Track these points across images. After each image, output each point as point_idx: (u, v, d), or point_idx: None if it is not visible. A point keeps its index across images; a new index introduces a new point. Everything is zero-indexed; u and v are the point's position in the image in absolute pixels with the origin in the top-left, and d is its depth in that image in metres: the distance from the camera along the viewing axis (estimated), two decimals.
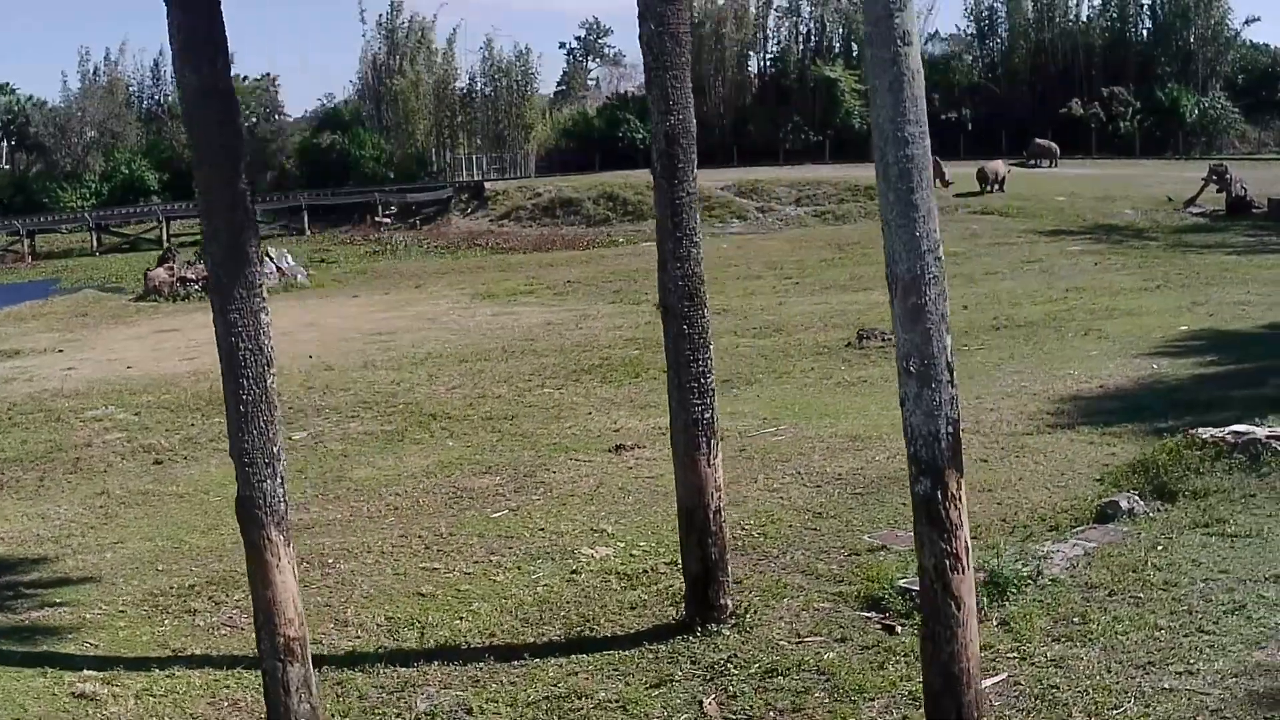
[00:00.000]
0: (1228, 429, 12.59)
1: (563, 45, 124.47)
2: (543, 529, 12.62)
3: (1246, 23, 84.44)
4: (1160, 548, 10.11)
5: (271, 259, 35.72)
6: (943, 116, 77.76)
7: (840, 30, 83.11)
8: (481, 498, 13.98)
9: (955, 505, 6.57)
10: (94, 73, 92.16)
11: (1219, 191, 50.79)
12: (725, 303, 25.56)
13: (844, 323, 22.15)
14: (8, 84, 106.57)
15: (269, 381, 7.95)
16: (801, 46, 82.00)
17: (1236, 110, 78.42)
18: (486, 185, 71.52)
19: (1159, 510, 11.20)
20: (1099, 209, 52.30)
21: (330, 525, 13.56)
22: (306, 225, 69.89)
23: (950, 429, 6.55)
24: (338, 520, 13.72)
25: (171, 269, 34.78)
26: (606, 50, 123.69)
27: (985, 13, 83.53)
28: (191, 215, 74.23)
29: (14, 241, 70.57)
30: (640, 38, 9.36)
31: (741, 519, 12.14)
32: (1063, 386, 15.53)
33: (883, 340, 18.32)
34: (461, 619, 10.43)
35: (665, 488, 12.28)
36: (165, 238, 69.48)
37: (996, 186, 56.79)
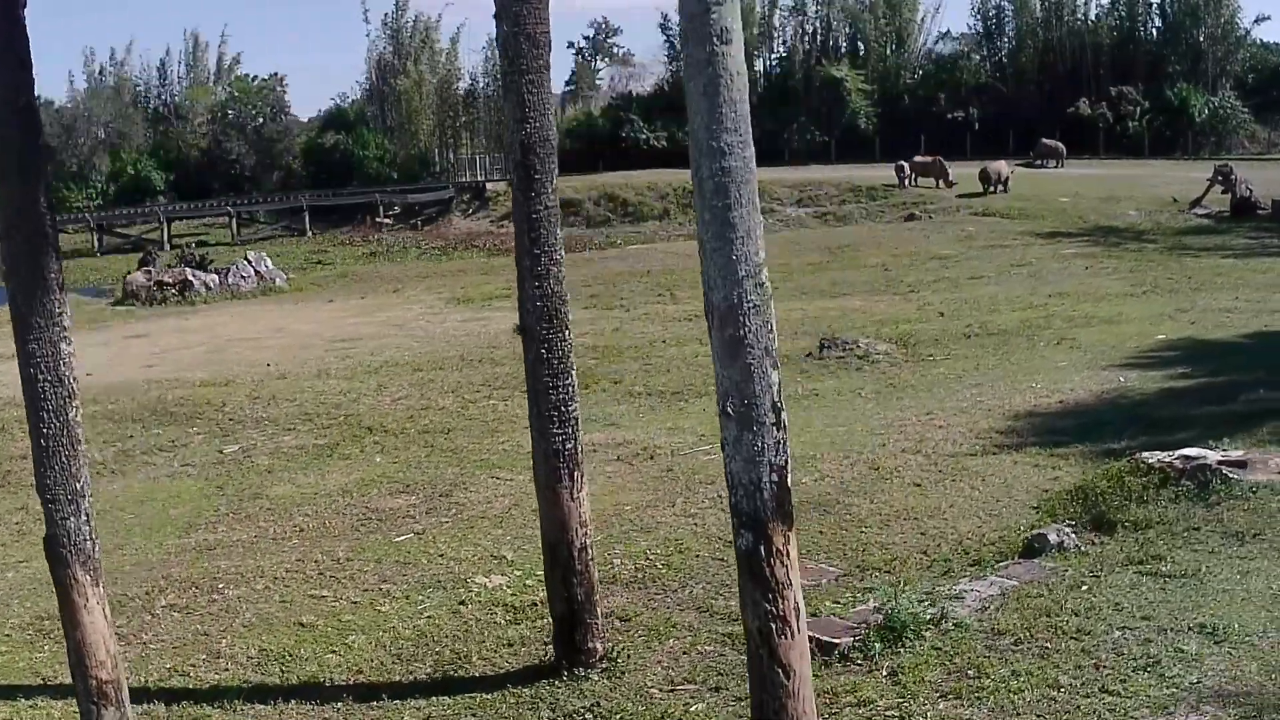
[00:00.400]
0: (1177, 453, 11.75)
1: (571, 45, 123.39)
2: (442, 554, 11.96)
3: (1256, 21, 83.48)
4: (1084, 588, 9.28)
5: (250, 262, 35.11)
6: (949, 116, 76.81)
7: (846, 29, 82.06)
8: (391, 519, 13.31)
9: (781, 562, 5.84)
10: (100, 73, 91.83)
11: (1224, 193, 49.89)
12: (698, 308, 24.87)
13: (814, 330, 21.34)
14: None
15: (71, 415, 7.35)
16: (807, 46, 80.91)
17: (1246, 110, 77.19)
18: (488, 186, 70.81)
19: (1092, 544, 10.39)
20: (1102, 210, 51.44)
21: (233, 547, 12.95)
22: (308, 226, 69.19)
23: (775, 477, 5.80)
24: (242, 542, 13.10)
25: (149, 273, 34.15)
26: (615, 49, 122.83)
27: (993, 11, 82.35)
28: (192, 215, 74.51)
29: None
30: (496, 39, 8.63)
31: (649, 547, 11.44)
32: (1021, 401, 14.72)
33: (844, 349, 17.60)
34: (334, 652, 9.88)
35: None
36: (166, 238, 69.19)
37: (1000, 187, 55.94)
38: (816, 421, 14.95)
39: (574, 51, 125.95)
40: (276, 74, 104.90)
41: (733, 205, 5.80)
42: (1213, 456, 11.56)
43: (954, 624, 8.78)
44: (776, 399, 5.86)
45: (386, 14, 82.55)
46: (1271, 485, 10.85)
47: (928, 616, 8.77)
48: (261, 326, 27.58)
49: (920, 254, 32.73)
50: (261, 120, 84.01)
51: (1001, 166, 56.80)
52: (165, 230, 69.82)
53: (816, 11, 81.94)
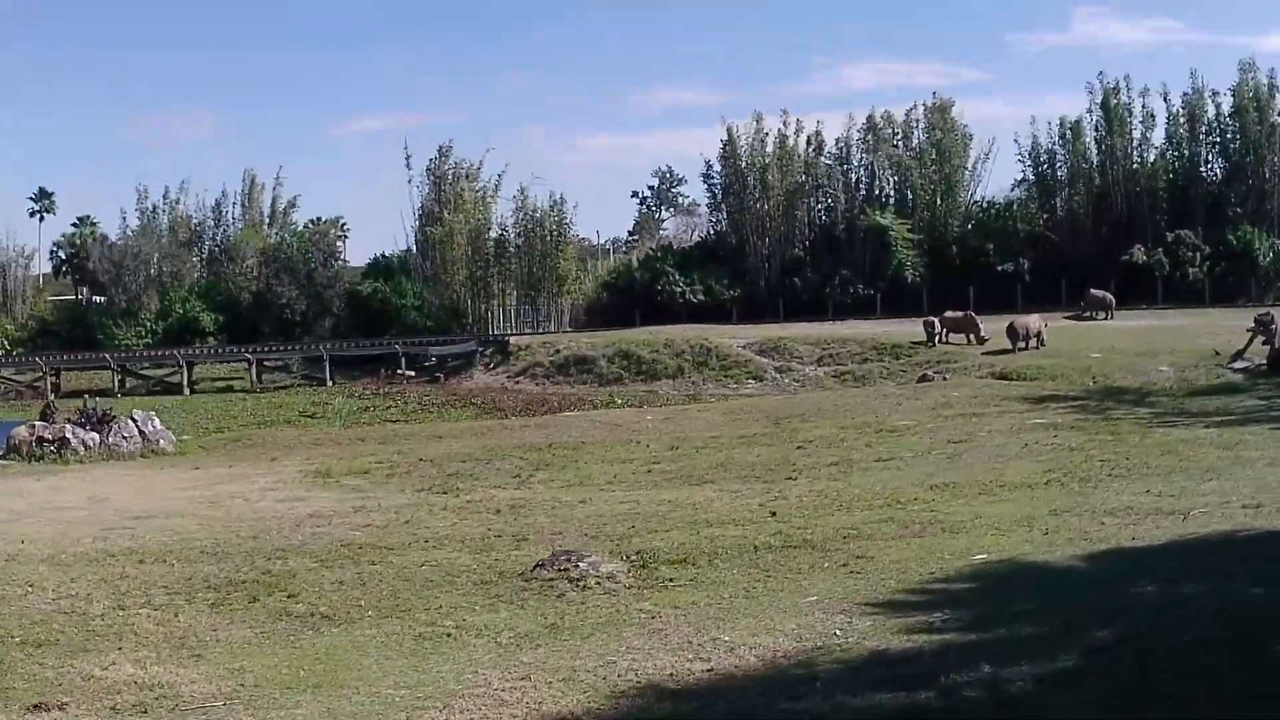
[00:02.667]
0: None
1: (635, 194, 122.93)
2: None
3: None
4: None
5: (135, 422, 33.22)
6: (999, 268, 74.03)
7: (892, 179, 79.78)
8: None
9: None
10: (152, 210, 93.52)
11: (1264, 343, 46.41)
12: (529, 495, 22.20)
13: (596, 533, 18.08)
14: (89, 216, 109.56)
15: None
16: (850, 194, 78.72)
17: None
18: (512, 340, 69.50)
19: None
20: (1132, 366, 48.09)
21: None
22: (329, 375, 69.16)
23: None
24: None
25: (33, 427, 32.41)
26: (681, 199, 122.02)
27: (1045, 157, 79.56)
28: (210, 358, 74.11)
29: (38, 378, 70.80)
30: None
31: None
32: (669, 663, 11.23)
33: (562, 568, 14.55)
34: None
35: None
36: (186, 382, 68.85)
37: (1034, 342, 52.88)
38: (360, 688, 11.67)
39: (638, 201, 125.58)
40: (338, 218, 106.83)
41: None
42: None
43: None
44: None
45: (431, 160, 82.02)
46: None
47: None
48: (85, 495, 25.21)
49: (870, 426, 29.74)
50: (313, 266, 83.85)
51: (1030, 321, 53.75)
52: (186, 374, 69.90)
53: (861, 160, 79.75)
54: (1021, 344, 52.79)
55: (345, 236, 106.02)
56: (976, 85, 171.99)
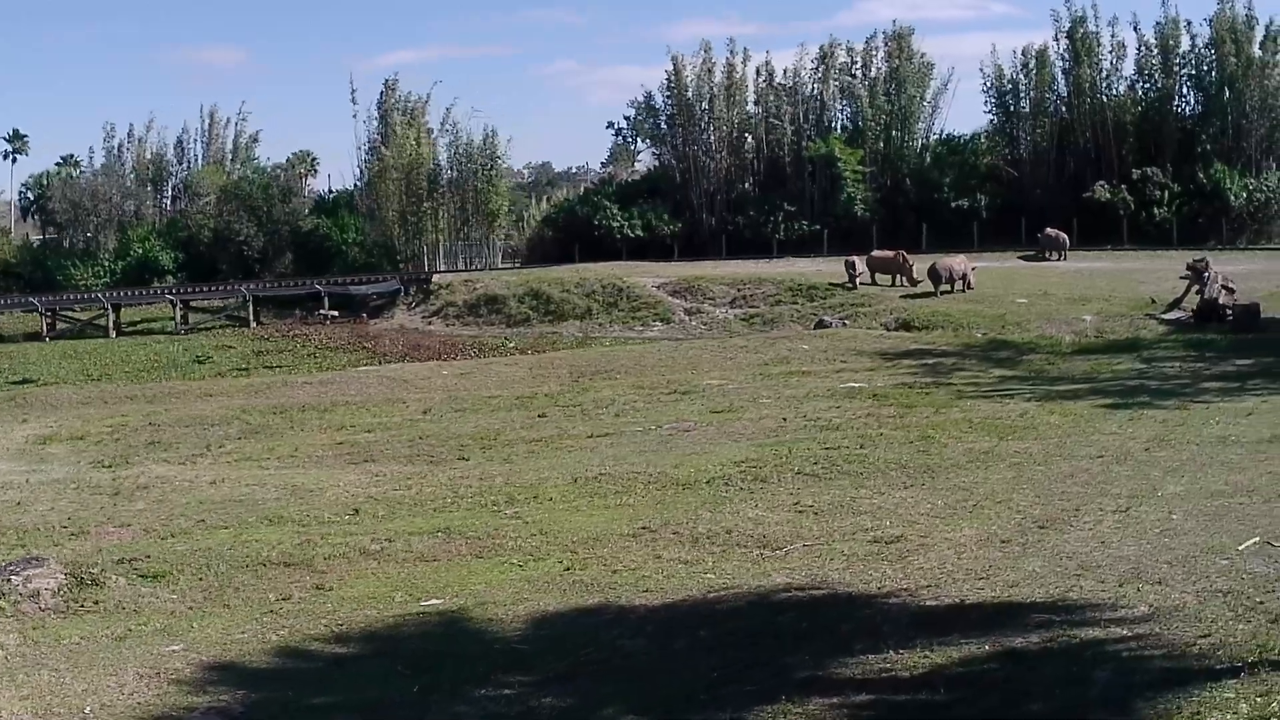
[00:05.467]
0: None
1: (610, 124, 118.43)
2: None
3: None
4: None
5: None
6: (954, 204, 69.80)
7: (845, 110, 75.31)
8: None
9: None
10: (118, 149, 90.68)
11: (1197, 292, 42.53)
12: (188, 473, 18.86)
13: (153, 528, 14.74)
14: (72, 155, 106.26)
15: None
16: (798, 126, 74.24)
17: None
18: (436, 278, 66.07)
19: None
20: (1053, 314, 44.49)
21: None
22: (252, 317, 66.40)
23: None
24: None
25: None
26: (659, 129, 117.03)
27: (1009, 87, 74.84)
28: (134, 301, 70.95)
29: None
30: None
31: None
32: None
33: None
34: None
35: None
36: (112, 324, 66.07)
37: (960, 285, 49.02)
38: None
39: (614, 131, 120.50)
40: (307, 153, 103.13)
41: None
42: None
43: None
44: None
45: (381, 91, 78.44)
46: None
47: None
48: None
49: (671, 386, 26.25)
50: (274, 202, 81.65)
51: (955, 263, 49.89)
52: (112, 316, 67.12)
53: (813, 90, 75.25)
54: (946, 287, 49.01)
55: (314, 172, 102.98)
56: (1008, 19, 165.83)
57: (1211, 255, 59.21)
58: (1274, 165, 70.81)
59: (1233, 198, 67.61)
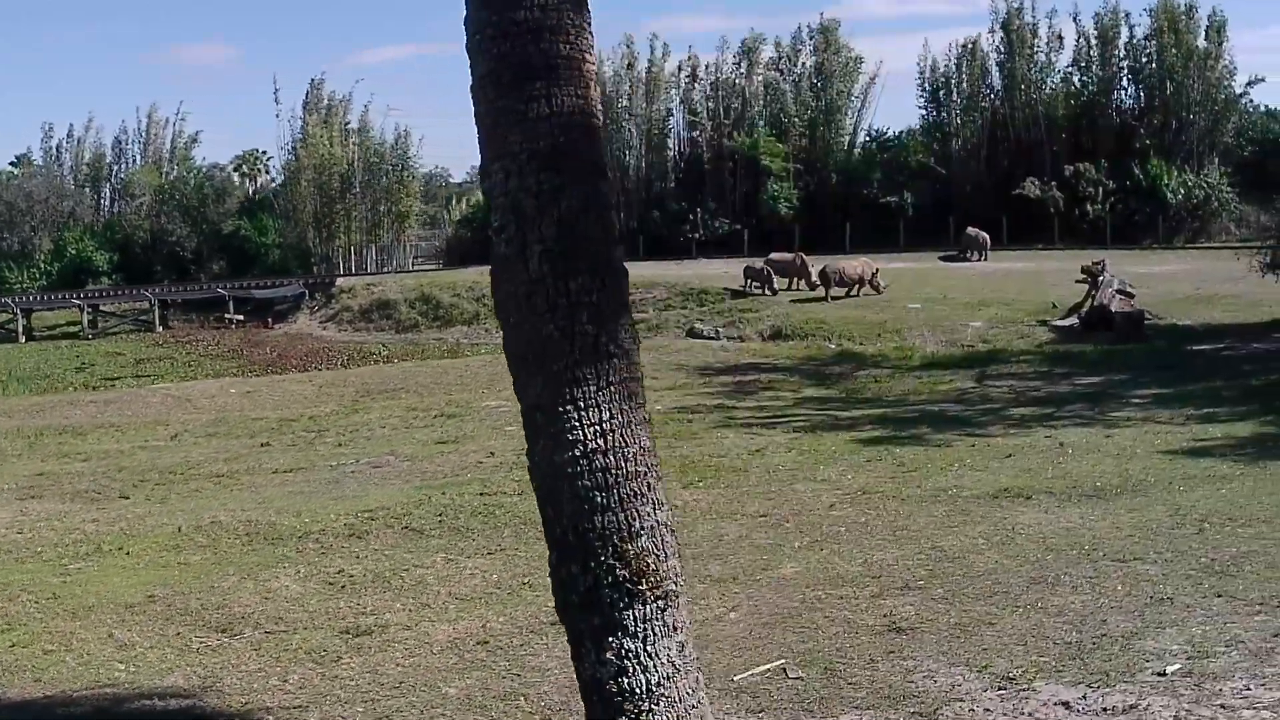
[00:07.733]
0: None
1: None
2: None
3: (1250, 84, 70.81)
4: None
5: None
6: (881, 201, 67.32)
7: (769, 106, 72.51)
8: None
9: None
10: (57, 149, 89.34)
11: (1090, 297, 40.14)
12: None
13: None
14: (27, 154, 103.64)
15: None
16: (718, 122, 71.60)
17: (1231, 190, 65.89)
18: (339, 281, 63.89)
19: None
20: (941, 321, 41.91)
21: None
22: (156, 322, 64.51)
23: None
24: None
25: None
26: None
27: (941, 81, 72.28)
28: (44, 305, 68.68)
29: None
30: None
31: None
32: None
33: None
34: None
35: None
36: (21, 330, 64.07)
37: (858, 289, 46.41)
38: None
39: None
40: (257, 151, 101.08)
41: None
42: None
43: None
44: None
45: (306, 91, 76.24)
46: None
47: None
48: None
49: (447, 406, 24.25)
50: (208, 203, 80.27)
51: (849, 266, 47.25)
52: (22, 321, 65.13)
53: (736, 86, 72.59)
54: (838, 291, 46.35)
55: (266, 171, 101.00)
56: (953, 17, 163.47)
57: (1145, 254, 57.29)
58: (1216, 161, 68.14)
59: (1170, 195, 64.96)
